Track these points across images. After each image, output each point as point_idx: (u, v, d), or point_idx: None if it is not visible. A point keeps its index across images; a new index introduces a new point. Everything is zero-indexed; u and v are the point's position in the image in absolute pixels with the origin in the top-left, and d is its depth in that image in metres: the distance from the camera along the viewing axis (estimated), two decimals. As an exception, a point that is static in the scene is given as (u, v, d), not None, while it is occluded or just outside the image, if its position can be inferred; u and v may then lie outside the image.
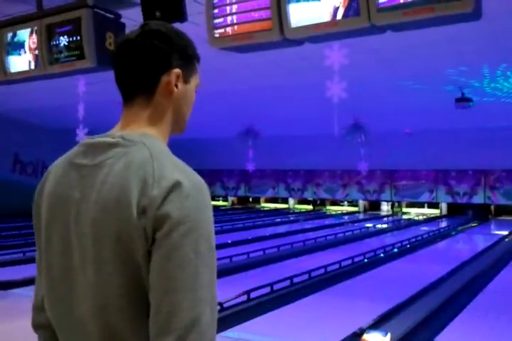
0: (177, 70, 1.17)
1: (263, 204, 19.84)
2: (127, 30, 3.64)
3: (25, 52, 3.90)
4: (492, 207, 16.06)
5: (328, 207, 18.72)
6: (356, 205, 18.31)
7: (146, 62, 1.15)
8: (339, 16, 2.88)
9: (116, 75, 1.19)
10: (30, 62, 3.92)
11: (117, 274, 1.03)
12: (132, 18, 3.73)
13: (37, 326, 1.26)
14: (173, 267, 0.99)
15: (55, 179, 1.17)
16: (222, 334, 4.26)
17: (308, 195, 18.65)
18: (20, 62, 4.00)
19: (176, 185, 1.02)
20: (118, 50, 1.19)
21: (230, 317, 4.82)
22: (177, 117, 1.22)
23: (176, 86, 1.18)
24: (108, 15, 3.54)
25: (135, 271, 1.03)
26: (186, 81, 1.21)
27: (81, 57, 3.57)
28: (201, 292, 1.00)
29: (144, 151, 1.08)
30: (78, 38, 3.53)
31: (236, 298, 5.36)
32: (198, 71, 1.25)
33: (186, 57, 1.20)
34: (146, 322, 1.02)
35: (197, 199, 1.04)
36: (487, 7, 2.92)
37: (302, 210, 18.49)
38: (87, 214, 1.08)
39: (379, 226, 13.27)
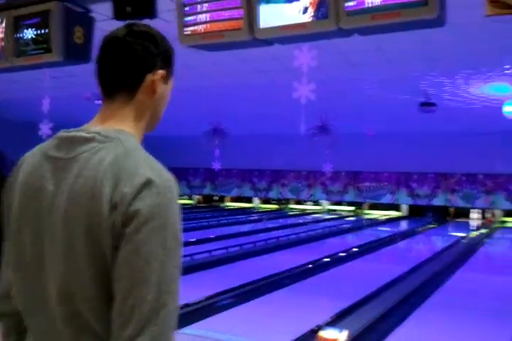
0: (161, 71, 1.23)
1: (228, 204, 19.84)
2: (97, 25, 3.61)
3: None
4: (451, 210, 16.45)
5: (292, 206, 18.86)
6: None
7: (133, 61, 1.20)
8: (308, 18, 2.93)
9: (100, 70, 1.22)
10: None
11: (86, 266, 1.06)
12: (102, 13, 3.71)
13: (1, 314, 1.28)
14: (139, 261, 1.02)
15: (28, 170, 1.19)
16: (180, 331, 4.27)
17: (274, 195, 18.75)
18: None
19: (148, 183, 1.05)
20: (105, 46, 1.22)
21: (188, 315, 4.82)
22: (154, 116, 1.27)
23: (158, 86, 1.23)
24: (77, 9, 3.50)
25: (103, 264, 1.06)
26: (166, 82, 1.26)
27: (48, 50, 3.52)
28: (165, 286, 1.04)
29: (119, 147, 1.11)
30: (46, 31, 3.48)
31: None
32: (173, 75, 1.31)
33: (167, 60, 1.27)
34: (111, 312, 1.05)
35: (167, 197, 1.07)
36: (452, 15, 3.02)
37: (267, 209, 18.58)
38: (60, 207, 1.10)
39: (341, 226, 13.45)
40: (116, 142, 1.12)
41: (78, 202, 1.07)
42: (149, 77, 1.21)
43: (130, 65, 1.20)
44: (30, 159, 1.20)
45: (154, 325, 1.01)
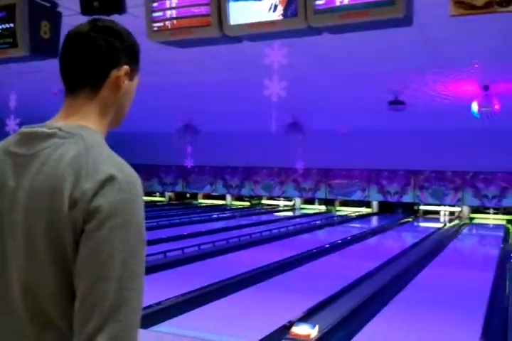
0: (126, 67, 1.22)
1: (200, 201, 19.78)
2: (64, 20, 3.56)
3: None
4: (420, 206, 16.72)
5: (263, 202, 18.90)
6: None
7: (97, 56, 1.18)
8: (277, 16, 2.94)
9: (63, 66, 1.21)
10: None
11: (47, 262, 1.06)
12: (69, 7, 3.66)
13: None
14: (101, 258, 1.02)
15: None
16: (152, 328, 4.26)
17: (246, 192, 18.76)
18: None
19: (109, 179, 1.05)
20: (68, 41, 1.21)
21: (160, 312, 4.81)
22: (118, 112, 1.26)
23: (123, 82, 1.22)
24: (44, 3, 3.44)
25: (64, 260, 1.05)
26: (131, 78, 1.25)
27: (14, 45, 3.45)
28: (127, 282, 1.03)
29: (80, 143, 1.10)
30: (11, 25, 3.42)
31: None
32: (139, 72, 1.30)
33: (133, 56, 1.26)
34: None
35: (129, 192, 1.06)
36: (420, 14, 3.06)
37: (239, 206, 18.59)
38: (21, 203, 1.09)
39: (313, 223, 13.55)
40: (77, 138, 1.11)
41: (38, 198, 1.07)
42: (114, 73, 1.20)
43: (94, 61, 1.19)
44: None
45: (115, 322, 1.01)
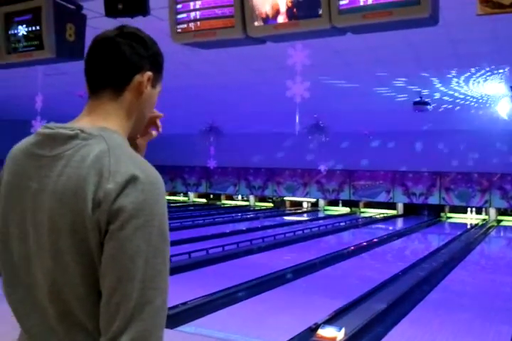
0: (149, 73, 1.23)
1: (224, 201, 19.83)
2: (88, 22, 3.59)
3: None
4: (446, 208, 16.48)
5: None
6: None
7: (121, 61, 1.20)
8: (300, 17, 2.92)
9: (87, 68, 1.23)
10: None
11: (73, 263, 1.06)
12: (94, 10, 3.69)
13: None
14: (124, 258, 1.02)
15: (11, 168, 1.19)
16: (179, 328, 4.27)
17: (269, 193, 18.74)
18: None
19: (132, 179, 1.05)
20: (94, 45, 1.23)
21: (186, 313, 4.82)
22: (138, 118, 1.26)
23: (145, 87, 1.23)
24: (69, 6, 3.48)
25: (90, 260, 1.06)
26: (154, 85, 1.26)
27: (40, 47, 3.50)
28: (151, 282, 1.03)
29: (101, 145, 1.10)
30: (38, 27, 3.46)
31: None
32: (162, 80, 1.31)
33: (156, 64, 1.27)
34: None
35: (151, 193, 1.06)
36: (445, 14, 3.01)
37: (263, 207, 18.58)
38: (44, 205, 1.10)
39: (337, 224, 13.46)
40: (99, 139, 1.11)
41: (62, 200, 1.07)
42: (137, 78, 1.21)
43: (118, 65, 1.20)
44: (14, 157, 1.20)
45: (139, 321, 1.01)
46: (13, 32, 3.61)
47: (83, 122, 1.19)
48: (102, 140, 1.11)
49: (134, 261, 1.02)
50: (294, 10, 2.94)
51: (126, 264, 1.02)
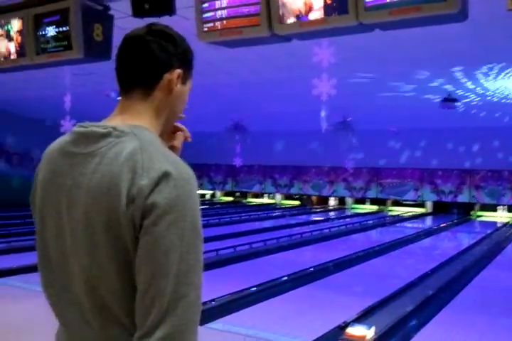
0: (179, 70, 1.24)
1: (250, 199, 19.87)
2: (116, 22, 3.62)
3: (11, 41, 3.87)
4: (476, 206, 16.21)
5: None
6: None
7: (152, 59, 1.21)
8: (327, 14, 2.89)
9: (118, 67, 1.25)
10: (16, 51, 3.89)
11: (108, 258, 1.09)
12: (121, 10, 3.72)
13: None
14: (159, 253, 1.04)
15: (47, 166, 1.22)
16: (208, 325, 4.29)
17: (295, 191, 18.70)
18: (5, 52, 3.96)
19: (165, 175, 1.06)
20: (124, 43, 1.24)
21: (214, 310, 4.84)
22: (170, 115, 1.28)
23: (175, 85, 1.24)
24: (96, 6, 3.52)
25: (125, 256, 1.08)
26: (184, 82, 1.27)
27: (68, 47, 3.55)
28: (184, 277, 1.05)
29: (134, 142, 1.12)
30: (66, 28, 3.51)
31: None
32: (192, 76, 1.32)
33: (186, 61, 1.28)
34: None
35: (184, 189, 1.08)
36: (473, 9, 2.95)
37: (289, 206, 18.56)
38: (79, 201, 1.12)
39: (365, 222, 13.36)
40: (131, 136, 1.13)
41: (96, 196, 1.09)
42: (166, 76, 1.22)
43: (147, 63, 1.21)
44: (49, 156, 1.23)
45: (174, 316, 1.03)
46: (42, 33, 3.67)
47: (115, 120, 1.21)
48: (135, 137, 1.13)
49: (168, 256, 1.03)
50: (321, 7, 2.92)
51: (161, 259, 1.03)
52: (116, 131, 1.14)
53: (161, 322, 1.02)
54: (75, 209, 1.13)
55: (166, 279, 1.03)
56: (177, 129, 1.38)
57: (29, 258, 6.56)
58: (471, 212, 16.21)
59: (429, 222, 15.31)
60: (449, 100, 9.50)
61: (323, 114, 6.21)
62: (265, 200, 19.61)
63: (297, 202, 19.00)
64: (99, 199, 1.08)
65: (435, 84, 9.00)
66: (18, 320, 4.37)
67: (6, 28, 3.86)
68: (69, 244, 1.14)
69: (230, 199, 20.08)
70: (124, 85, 1.24)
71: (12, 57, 3.90)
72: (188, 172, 1.12)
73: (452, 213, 16.28)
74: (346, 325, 4.38)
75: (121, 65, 1.24)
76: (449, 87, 9.17)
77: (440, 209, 16.52)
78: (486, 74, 8.22)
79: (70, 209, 1.14)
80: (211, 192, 20.47)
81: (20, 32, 3.77)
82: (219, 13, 3.22)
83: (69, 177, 1.15)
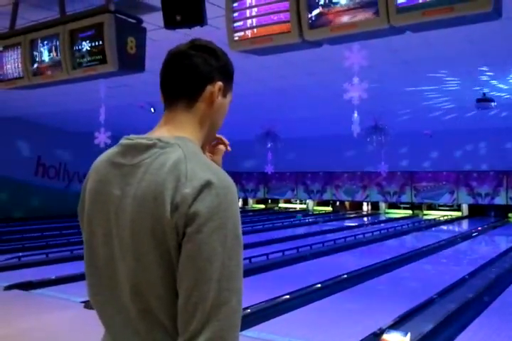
0: (220, 83, 1.29)
1: (281, 205, 19.82)
2: (148, 35, 3.69)
3: (48, 56, 3.98)
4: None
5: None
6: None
7: (195, 71, 1.26)
8: (358, 18, 2.89)
9: (163, 80, 1.30)
10: (52, 66, 3.99)
11: (154, 264, 1.12)
12: (153, 23, 3.79)
13: None
14: (201, 260, 1.07)
15: (96, 177, 1.27)
16: (242, 333, 4.27)
17: (328, 197, 18.59)
18: (43, 67, 4.07)
19: (207, 184, 1.10)
20: (169, 58, 1.30)
21: (249, 317, 4.83)
22: (212, 126, 1.33)
23: (217, 97, 1.29)
24: (129, 20, 3.59)
25: (169, 262, 1.11)
26: (224, 95, 1.32)
27: (103, 61, 3.63)
28: (227, 283, 1.08)
29: (178, 152, 1.17)
30: (100, 42, 3.59)
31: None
32: (232, 89, 1.37)
33: (227, 74, 1.33)
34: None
35: (225, 197, 1.12)
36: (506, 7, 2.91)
37: (321, 212, 18.44)
38: (126, 209, 1.17)
39: (399, 227, 13.17)
40: (175, 147, 1.18)
41: (142, 204, 1.13)
42: (209, 88, 1.27)
43: (191, 75, 1.26)
44: (98, 167, 1.28)
45: (216, 321, 1.05)
46: (77, 48, 3.76)
47: (160, 132, 1.26)
48: (178, 148, 1.18)
49: (211, 262, 1.06)
50: (351, 11, 2.92)
51: (204, 266, 1.06)
52: (161, 142, 1.19)
53: (203, 328, 1.04)
54: (122, 217, 1.17)
55: (209, 285, 1.06)
56: (216, 138, 1.43)
57: (66, 269, 6.74)
58: (509, 215, 15.83)
59: (465, 225, 15.01)
60: (484, 100, 9.34)
61: (355, 117, 6.18)
62: (298, 206, 19.53)
63: (329, 208, 18.87)
64: (145, 207, 1.12)
65: (471, 84, 8.86)
66: (56, 332, 4.43)
67: (43, 43, 3.97)
68: (116, 251, 1.18)
69: (262, 206, 20.07)
70: (168, 97, 1.29)
71: (50, 72, 4.01)
72: (229, 181, 1.15)
73: (489, 216, 15.93)
74: (382, 331, 4.31)
75: (165, 78, 1.29)
76: (484, 87, 9.00)
77: (476, 212, 16.18)
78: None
79: (118, 218, 1.18)
80: (243, 199, 20.51)
81: (57, 47, 3.87)
82: (249, 22, 3.25)
83: (117, 187, 1.20)
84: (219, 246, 1.08)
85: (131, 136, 1.26)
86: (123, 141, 1.27)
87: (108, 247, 1.21)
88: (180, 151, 1.17)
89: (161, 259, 1.11)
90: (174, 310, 1.11)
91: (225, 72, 1.32)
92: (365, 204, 18.46)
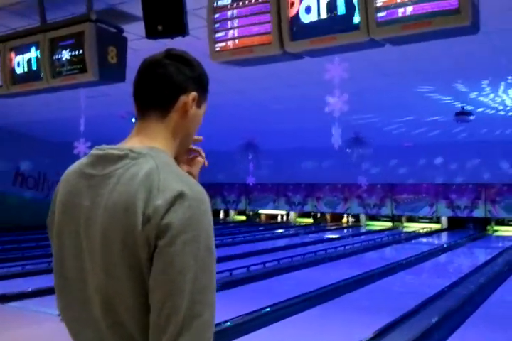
0: (194, 93, 1.27)
1: (263, 218, 19.79)
2: (129, 44, 3.68)
3: (28, 65, 3.94)
4: (492, 221, 16.01)
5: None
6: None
7: (169, 81, 1.25)
8: (338, 30, 2.92)
9: (136, 89, 1.28)
10: (32, 75, 3.95)
11: (124, 277, 1.10)
12: (134, 33, 3.78)
13: None
14: (173, 272, 1.05)
15: (65, 188, 1.25)
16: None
17: (309, 209, 18.62)
18: (22, 76, 4.03)
19: (179, 196, 1.08)
20: (143, 67, 1.28)
21: (229, 331, 4.79)
22: (185, 136, 1.31)
23: (191, 107, 1.27)
24: (111, 29, 3.58)
25: (140, 274, 1.09)
26: (199, 106, 1.31)
27: (83, 70, 3.60)
28: (199, 296, 1.06)
29: (150, 163, 1.15)
30: (81, 51, 3.57)
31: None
32: (207, 100, 1.35)
33: (201, 84, 1.31)
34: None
35: (198, 209, 1.10)
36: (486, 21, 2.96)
37: (302, 223, 18.45)
38: (97, 220, 1.14)
39: (379, 239, 13.21)
40: (147, 158, 1.16)
41: (113, 215, 1.11)
42: (182, 98, 1.25)
43: (164, 84, 1.24)
44: (67, 178, 1.26)
45: (188, 335, 1.03)
46: (57, 56, 3.73)
47: (132, 142, 1.24)
48: (151, 158, 1.16)
49: (184, 275, 1.05)
50: (332, 24, 2.94)
51: (176, 278, 1.04)
52: (132, 152, 1.17)
53: None
54: (93, 229, 1.14)
55: (181, 297, 1.04)
56: (193, 151, 1.40)
57: (43, 282, 6.62)
58: (488, 227, 16.01)
59: (444, 238, 15.13)
60: (463, 113, 9.48)
61: (336, 130, 6.21)
62: (279, 218, 19.53)
63: (311, 220, 18.89)
64: (116, 218, 1.10)
65: (449, 97, 8.99)
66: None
67: (22, 52, 3.93)
68: (87, 263, 1.16)
69: (243, 218, 20.02)
70: (141, 107, 1.28)
71: (28, 81, 3.97)
72: (202, 192, 1.14)
73: (468, 228, 16.09)
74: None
75: (139, 87, 1.27)
76: (463, 100, 9.14)
77: (456, 224, 16.33)
78: (504, 87, 8.19)
79: (88, 229, 1.15)
80: (224, 211, 20.43)
81: (36, 56, 3.83)
82: (230, 33, 3.26)
83: (87, 198, 1.17)
84: (192, 258, 1.06)
85: (102, 147, 1.24)
86: (94, 151, 1.24)
87: (78, 260, 1.18)
88: (152, 162, 1.15)
89: (132, 272, 1.09)
90: (145, 323, 1.09)
91: (200, 83, 1.30)
92: (345, 216, 18.51)
